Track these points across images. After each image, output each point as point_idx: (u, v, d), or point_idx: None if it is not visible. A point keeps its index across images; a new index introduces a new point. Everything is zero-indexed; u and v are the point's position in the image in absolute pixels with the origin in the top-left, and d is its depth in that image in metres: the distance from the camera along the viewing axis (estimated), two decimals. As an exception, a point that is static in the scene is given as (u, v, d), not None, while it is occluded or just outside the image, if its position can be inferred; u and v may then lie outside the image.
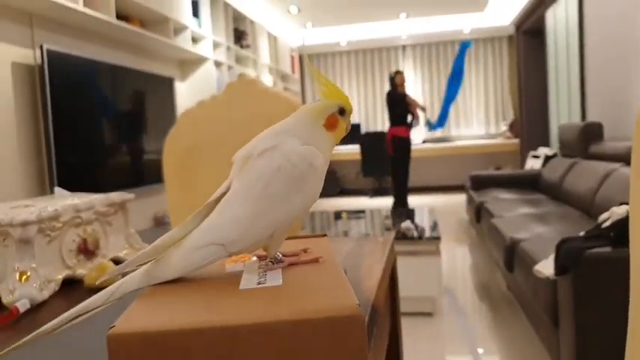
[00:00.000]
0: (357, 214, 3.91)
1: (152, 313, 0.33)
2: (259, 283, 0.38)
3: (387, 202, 6.24)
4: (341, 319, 0.30)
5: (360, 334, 0.30)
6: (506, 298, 2.93)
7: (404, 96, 5.63)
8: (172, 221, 1.23)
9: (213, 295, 0.37)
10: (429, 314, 2.73)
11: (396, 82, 5.66)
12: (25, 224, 0.69)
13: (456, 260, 3.97)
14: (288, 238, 0.56)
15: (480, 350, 2.37)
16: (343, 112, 0.53)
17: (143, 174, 3.37)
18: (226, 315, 0.32)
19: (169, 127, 1.26)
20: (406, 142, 5.54)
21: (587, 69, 4.31)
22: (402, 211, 4.26)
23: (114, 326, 0.30)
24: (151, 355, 0.29)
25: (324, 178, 0.51)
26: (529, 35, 6.56)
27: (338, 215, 3.70)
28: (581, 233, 1.92)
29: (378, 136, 6.37)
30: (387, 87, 8.33)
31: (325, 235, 0.57)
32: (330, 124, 0.52)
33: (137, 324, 0.31)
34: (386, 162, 5.98)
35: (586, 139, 3.65)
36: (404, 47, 8.37)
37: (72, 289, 0.76)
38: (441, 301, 2.87)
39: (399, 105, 5.58)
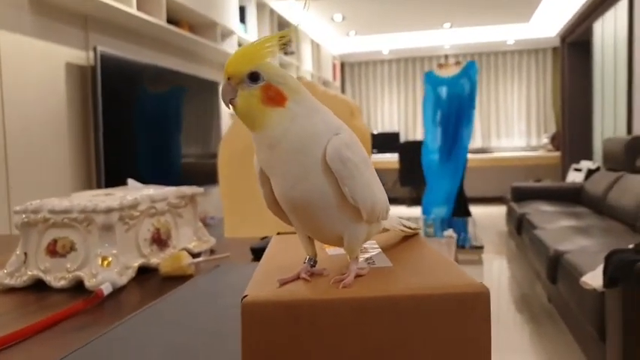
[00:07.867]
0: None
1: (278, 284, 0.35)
2: (369, 263, 0.39)
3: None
4: (469, 294, 0.31)
5: (486, 311, 0.31)
6: (547, 310, 2.89)
7: None
8: (225, 209, 1.55)
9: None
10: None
11: None
12: (108, 211, 0.72)
13: (496, 271, 3.92)
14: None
15: (523, 362, 2.34)
16: (256, 76, 0.36)
17: (185, 175, 3.43)
18: (352, 287, 0.33)
19: (212, 130, 1.35)
20: None
21: (636, 82, 4.22)
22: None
23: (246, 295, 0.32)
24: (282, 323, 0.31)
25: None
26: (575, 47, 6.46)
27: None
28: (631, 246, 1.88)
29: (416, 145, 6.29)
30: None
31: (417, 233, 0.57)
32: (269, 99, 0.36)
33: (267, 294, 0.32)
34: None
35: (633, 153, 3.58)
36: (446, 57, 8.32)
37: (146, 277, 0.79)
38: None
39: None
